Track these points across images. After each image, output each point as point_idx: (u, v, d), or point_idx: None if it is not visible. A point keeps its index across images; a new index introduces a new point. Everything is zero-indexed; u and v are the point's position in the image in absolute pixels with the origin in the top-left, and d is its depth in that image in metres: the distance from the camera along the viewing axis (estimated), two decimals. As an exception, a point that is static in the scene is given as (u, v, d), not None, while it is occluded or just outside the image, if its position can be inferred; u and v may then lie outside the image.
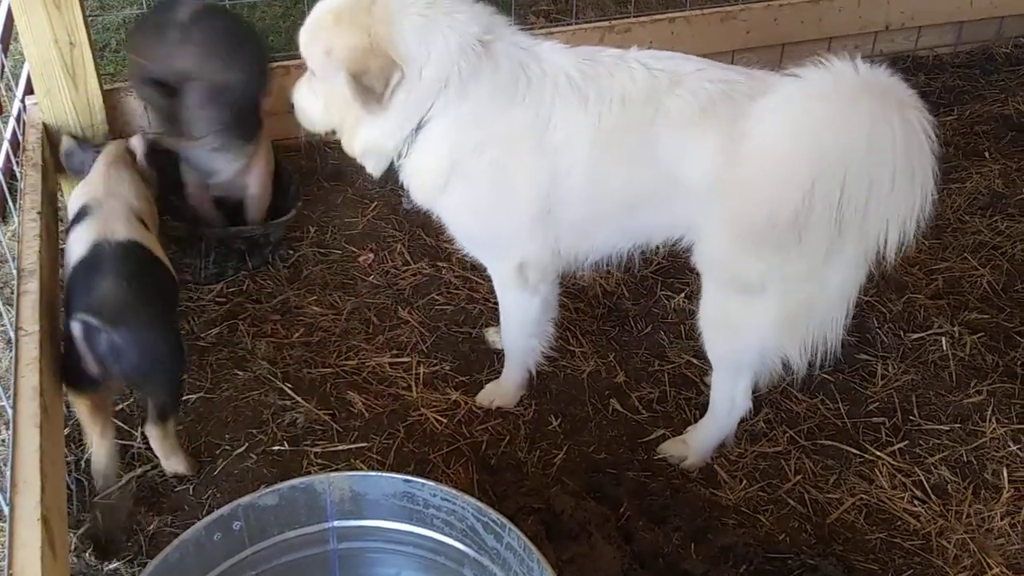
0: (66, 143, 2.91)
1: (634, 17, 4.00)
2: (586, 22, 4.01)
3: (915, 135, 1.97)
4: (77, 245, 2.46)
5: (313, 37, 2.29)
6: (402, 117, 2.27)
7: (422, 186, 2.40)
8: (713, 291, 2.36)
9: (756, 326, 2.31)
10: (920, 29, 4.49)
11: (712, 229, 2.26)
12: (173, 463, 2.51)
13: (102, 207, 2.57)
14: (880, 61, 4.47)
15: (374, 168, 2.45)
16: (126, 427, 2.62)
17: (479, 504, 1.99)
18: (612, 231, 2.43)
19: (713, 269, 2.33)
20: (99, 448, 2.35)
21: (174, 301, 2.65)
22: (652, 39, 3.97)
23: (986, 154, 3.88)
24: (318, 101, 2.39)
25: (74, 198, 2.70)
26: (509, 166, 2.30)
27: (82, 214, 2.55)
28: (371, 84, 2.19)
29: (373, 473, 2.10)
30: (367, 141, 2.36)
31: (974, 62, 4.53)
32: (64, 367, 2.35)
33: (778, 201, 2.01)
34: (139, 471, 2.52)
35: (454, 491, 2.02)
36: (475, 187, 2.35)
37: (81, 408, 2.37)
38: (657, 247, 2.53)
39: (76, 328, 2.26)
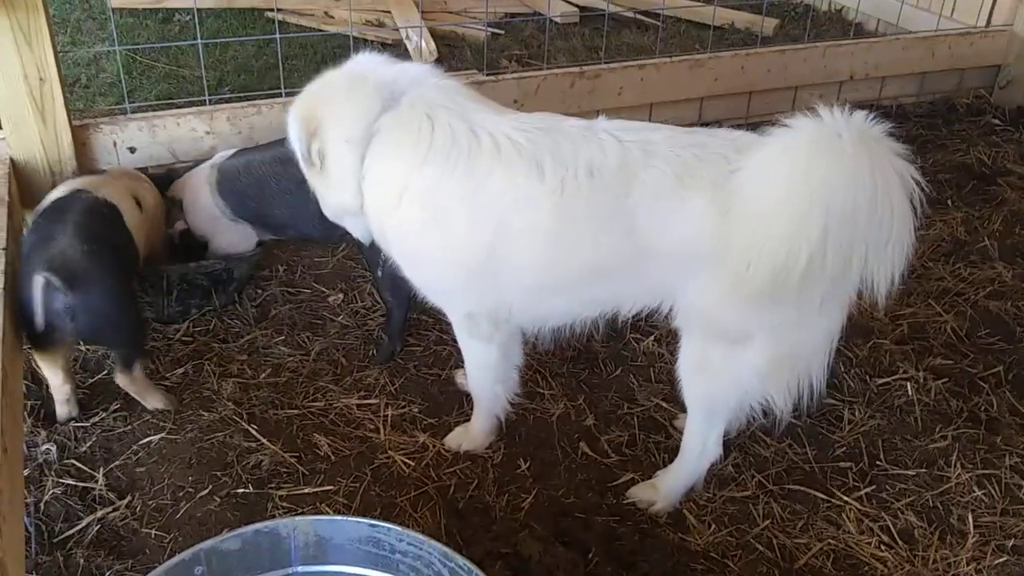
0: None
1: (604, 63, 4.05)
2: (558, 67, 4.06)
3: (906, 179, 1.99)
4: (58, 189, 2.81)
5: (292, 108, 2.48)
6: (340, 177, 2.41)
7: (376, 236, 2.51)
8: (697, 342, 2.34)
9: (741, 374, 2.31)
10: (884, 79, 4.61)
11: (700, 292, 2.23)
12: (150, 402, 2.74)
13: (106, 178, 2.91)
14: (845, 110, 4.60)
15: (357, 231, 2.59)
16: (87, 468, 2.57)
17: (445, 549, 1.97)
18: (574, 299, 2.41)
19: (700, 324, 2.30)
20: (58, 393, 2.66)
21: (131, 268, 2.81)
22: (622, 85, 4.04)
23: (949, 202, 3.96)
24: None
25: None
26: (438, 219, 2.32)
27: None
28: (303, 151, 2.42)
29: (339, 517, 2.08)
30: (330, 204, 2.53)
31: (936, 112, 4.65)
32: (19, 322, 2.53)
33: (789, 257, 1.99)
34: (100, 513, 2.46)
35: (421, 536, 2.00)
36: (407, 236, 2.40)
37: (38, 359, 2.63)
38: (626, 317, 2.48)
39: (38, 283, 2.46)
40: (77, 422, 2.70)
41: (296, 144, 2.45)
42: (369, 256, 2.99)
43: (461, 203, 2.30)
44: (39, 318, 2.50)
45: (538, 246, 2.29)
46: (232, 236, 3.13)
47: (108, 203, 2.77)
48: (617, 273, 2.31)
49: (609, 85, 4.01)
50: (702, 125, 4.17)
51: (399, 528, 2.01)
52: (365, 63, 2.44)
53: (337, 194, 2.46)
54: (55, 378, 2.66)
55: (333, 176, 2.42)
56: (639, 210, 2.19)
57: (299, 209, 2.89)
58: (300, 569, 2.08)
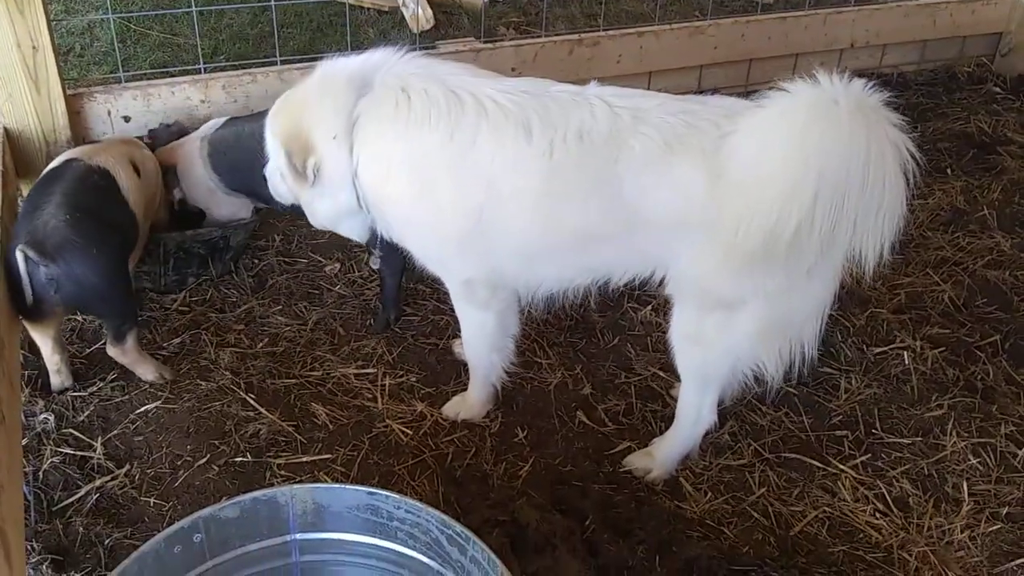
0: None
1: (603, 31, 4.02)
2: (556, 35, 4.02)
3: (900, 150, 1.98)
4: (55, 160, 2.80)
5: (268, 123, 2.52)
6: (333, 180, 2.43)
7: (373, 216, 2.52)
8: (690, 310, 2.34)
9: (733, 340, 2.31)
10: (885, 47, 4.57)
11: (692, 259, 2.24)
12: (143, 373, 2.75)
13: (102, 145, 2.92)
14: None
15: (353, 232, 2.64)
16: (85, 438, 2.58)
17: (443, 517, 1.98)
18: (565, 266, 2.40)
19: (692, 292, 2.31)
20: (50, 363, 2.67)
21: (126, 236, 2.75)
22: (621, 53, 4.01)
23: (948, 171, 3.94)
24: (282, 179, 2.56)
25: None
26: (427, 185, 2.33)
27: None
28: (296, 165, 2.42)
29: (336, 485, 2.07)
30: (322, 212, 2.56)
31: (937, 80, 4.62)
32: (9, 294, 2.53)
33: (778, 222, 1.99)
34: (98, 482, 2.47)
35: (418, 503, 2.00)
36: (400, 208, 2.41)
37: (29, 329, 2.62)
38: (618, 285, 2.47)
39: (19, 256, 2.45)
40: (75, 391, 2.70)
41: (283, 163, 2.46)
42: None
43: (448, 166, 2.29)
44: (27, 291, 2.49)
45: (528, 209, 2.28)
46: (230, 207, 3.12)
47: (101, 169, 2.74)
48: (608, 239, 2.31)
49: (608, 53, 3.98)
50: (701, 93, 4.13)
51: (397, 495, 2.02)
52: (330, 65, 2.45)
53: (333, 198, 2.47)
54: (45, 347, 2.65)
55: (328, 180, 2.43)
56: (628, 176, 2.19)
57: None
58: (299, 536, 2.08)
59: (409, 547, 2.05)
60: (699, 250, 2.22)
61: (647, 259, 2.34)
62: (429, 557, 2.03)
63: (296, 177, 2.45)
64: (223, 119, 3.11)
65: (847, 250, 2.11)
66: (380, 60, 2.41)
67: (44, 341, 2.64)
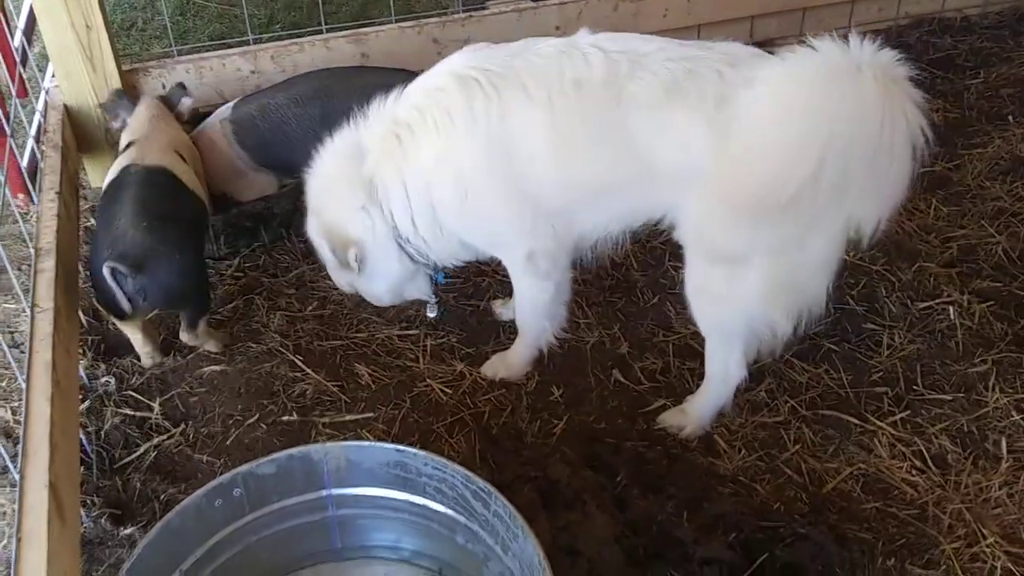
0: (108, 96, 3.11)
1: (649, -16, 3.96)
2: (600, -10, 3.98)
3: (913, 134, 1.97)
4: (112, 170, 2.84)
5: (309, 222, 2.64)
6: (381, 250, 2.56)
7: (446, 256, 2.63)
8: (698, 263, 2.36)
9: (742, 295, 2.32)
10: (947, -11, 4.39)
11: (697, 206, 2.25)
12: (211, 347, 2.87)
13: (144, 139, 2.91)
14: (905, 23, 4.41)
15: (422, 293, 2.80)
16: (144, 399, 2.73)
17: (467, 473, 2.05)
18: (597, 214, 2.43)
19: (698, 243, 2.33)
20: (142, 351, 2.81)
21: (200, 225, 2.89)
22: (667, 7, 3.96)
23: (1010, 118, 3.80)
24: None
25: (122, 138, 3.00)
26: (462, 178, 2.39)
27: (126, 147, 2.92)
28: (341, 259, 2.56)
29: (367, 443, 2.17)
30: (381, 290, 2.70)
31: (1004, 23, 4.43)
32: (100, 301, 2.72)
33: (784, 178, 2.00)
34: (155, 441, 2.62)
35: (444, 460, 2.08)
36: (449, 211, 2.46)
37: (122, 327, 2.76)
38: (641, 228, 2.52)
39: (106, 272, 2.54)
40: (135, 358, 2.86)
41: (329, 257, 2.60)
42: None
43: (468, 156, 2.35)
44: (122, 302, 2.61)
45: (549, 166, 2.33)
46: (257, 186, 3.20)
47: (159, 168, 2.81)
48: (621, 185, 2.35)
49: (654, 7, 3.93)
50: (753, 44, 4.05)
51: (424, 453, 2.10)
52: (324, 156, 2.57)
53: (387, 272, 2.61)
54: (136, 338, 2.80)
55: (374, 258, 2.56)
56: (629, 123, 2.21)
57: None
58: (334, 491, 2.19)
59: (437, 502, 2.14)
60: (702, 200, 2.24)
61: (658, 203, 2.37)
62: (456, 511, 2.12)
63: (346, 269, 2.58)
64: (234, 100, 3.16)
65: (847, 215, 2.11)
66: (356, 124, 2.52)
67: (134, 334, 2.78)
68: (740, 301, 2.32)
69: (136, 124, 2.98)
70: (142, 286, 2.59)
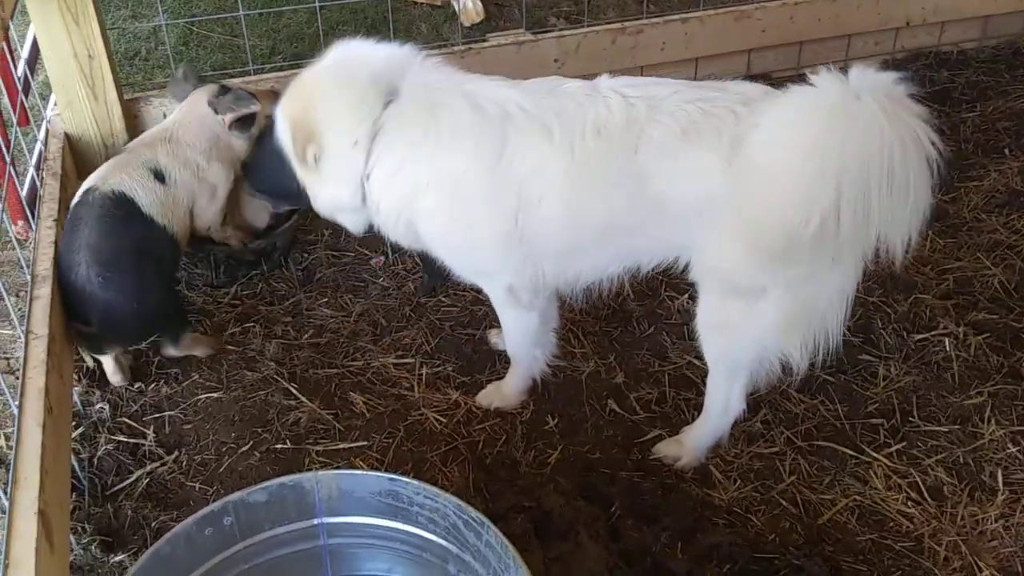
0: (179, 71, 3.12)
1: (647, 18, 4.01)
2: (598, 24, 4.03)
3: (924, 150, 1.98)
4: (83, 184, 2.80)
5: (280, 102, 2.52)
6: (336, 176, 2.44)
7: (390, 232, 2.53)
8: (714, 298, 2.36)
9: (757, 328, 2.32)
10: (943, 24, 4.43)
11: (713, 246, 2.26)
12: (199, 353, 2.87)
13: (127, 153, 2.88)
14: (901, 57, 4.44)
15: (350, 225, 2.61)
16: (138, 426, 2.72)
17: (459, 502, 2.04)
18: (598, 257, 2.43)
19: (714, 280, 2.33)
20: (112, 377, 2.80)
21: (166, 256, 2.82)
22: (665, 40, 4.00)
23: (1006, 151, 3.82)
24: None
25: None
26: (460, 201, 2.36)
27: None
28: (298, 152, 2.43)
29: (359, 472, 2.17)
30: (323, 201, 2.55)
31: (1000, 57, 4.46)
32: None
33: (804, 216, 2.00)
34: (148, 468, 2.61)
35: (436, 489, 2.07)
36: (434, 225, 2.43)
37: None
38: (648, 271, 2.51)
39: (72, 326, 2.54)
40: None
41: (288, 145, 2.46)
42: None
43: (478, 181, 2.33)
44: (85, 352, 2.70)
45: (558, 210, 2.32)
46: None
47: (117, 195, 2.72)
48: (634, 228, 2.34)
49: (652, 41, 3.97)
50: (750, 78, 4.09)
51: (416, 482, 2.09)
52: (348, 52, 2.45)
53: (334, 191, 2.48)
54: (107, 367, 2.80)
55: (331, 175, 2.44)
56: (647, 166, 2.21)
57: None
58: (326, 520, 2.18)
59: (429, 531, 2.13)
60: (720, 239, 2.23)
61: (671, 246, 2.37)
62: (448, 541, 2.10)
63: (298, 160, 2.46)
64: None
65: (872, 242, 2.11)
66: (404, 62, 2.42)
67: (105, 363, 2.79)
68: (755, 334, 2.32)
69: (169, 119, 3.02)
70: (103, 337, 2.63)
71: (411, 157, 2.36)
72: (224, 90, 3.03)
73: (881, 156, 1.95)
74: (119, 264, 2.63)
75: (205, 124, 2.97)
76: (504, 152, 2.29)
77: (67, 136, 3.20)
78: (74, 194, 3.13)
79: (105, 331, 2.63)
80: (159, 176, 2.83)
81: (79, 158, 3.24)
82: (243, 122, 3.01)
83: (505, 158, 2.29)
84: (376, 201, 2.44)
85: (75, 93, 3.15)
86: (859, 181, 1.96)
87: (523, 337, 2.69)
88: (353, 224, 2.60)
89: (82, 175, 3.25)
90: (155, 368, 2.91)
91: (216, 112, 2.98)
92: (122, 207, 2.71)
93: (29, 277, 2.54)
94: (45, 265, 2.57)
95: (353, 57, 2.44)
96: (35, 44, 3.53)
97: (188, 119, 2.99)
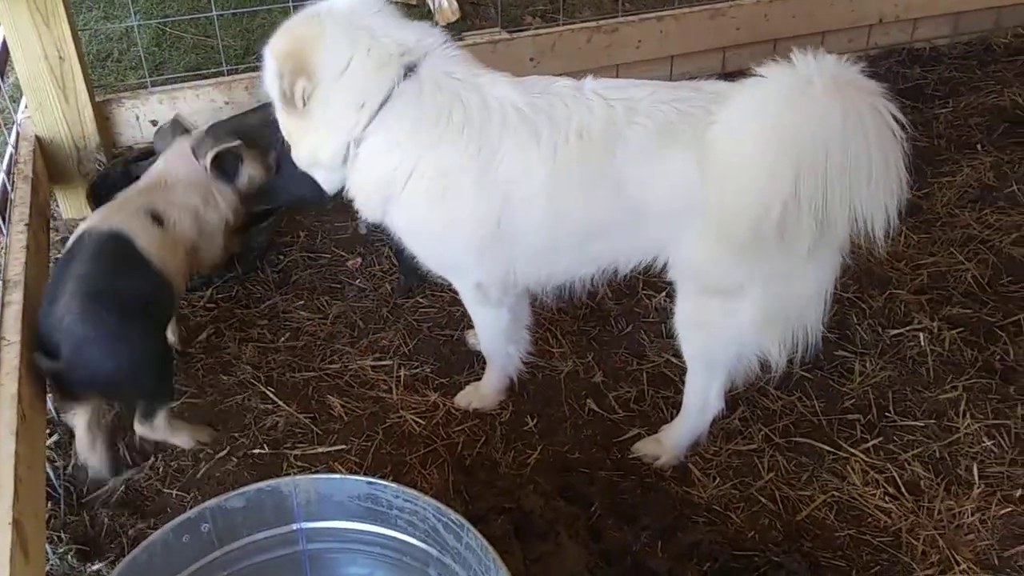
0: (168, 124, 2.98)
1: (622, 16, 4.01)
2: (573, 23, 4.03)
3: (885, 123, 1.97)
4: (77, 229, 2.61)
5: (269, 43, 2.34)
6: (327, 129, 2.32)
7: (362, 204, 2.45)
8: (691, 296, 2.37)
9: (735, 326, 2.32)
10: (916, 21, 4.47)
11: (690, 245, 2.26)
12: (177, 443, 2.63)
13: (122, 199, 2.69)
14: (875, 54, 4.47)
15: (323, 181, 2.50)
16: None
17: (438, 505, 2.03)
18: (574, 259, 2.42)
19: (693, 279, 2.33)
20: (80, 443, 2.52)
21: (157, 303, 2.58)
22: (641, 39, 4.00)
23: (978, 147, 3.86)
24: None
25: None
26: (448, 196, 2.31)
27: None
28: (284, 87, 2.25)
29: (337, 476, 2.15)
30: (303, 150, 2.42)
31: (972, 53, 4.51)
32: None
33: (762, 207, 2.01)
34: (125, 475, 2.58)
35: (415, 492, 2.06)
36: (414, 212, 2.38)
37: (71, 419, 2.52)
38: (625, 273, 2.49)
39: (41, 360, 2.33)
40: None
41: (275, 80, 2.27)
42: None
43: (472, 179, 2.30)
44: (49, 395, 2.47)
45: (538, 213, 2.31)
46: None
47: (114, 234, 2.53)
48: (612, 231, 2.34)
49: (627, 39, 3.98)
50: (726, 76, 4.10)
51: (395, 485, 2.08)
52: (371, 12, 2.30)
53: (318, 143, 2.36)
54: (78, 429, 2.54)
55: (322, 125, 2.32)
56: (625, 168, 2.21)
57: (293, 171, 2.71)
58: (305, 525, 2.16)
59: (409, 535, 2.11)
60: (696, 237, 2.24)
61: (649, 246, 2.37)
62: (428, 544, 2.09)
63: (284, 101, 2.30)
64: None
65: (849, 228, 2.10)
66: (429, 43, 2.33)
67: (77, 426, 2.52)
68: (733, 332, 2.32)
69: (156, 168, 2.83)
70: (73, 379, 2.36)
71: (413, 140, 2.29)
72: (207, 134, 2.91)
73: (839, 137, 1.94)
74: (104, 298, 2.40)
75: (193, 168, 2.83)
76: (496, 156, 2.28)
77: (38, 139, 3.16)
78: (46, 198, 3.12)
79: (72, 369, 2.33)
80: (157, 219, 2.66)
81: (50, 161, 3.21)
82: (225, 171, 2.86)
83: (497, 159, 2.28)
84: (360, 169, 2.35)
85: (46, 95, 3.12)
86: (818, 164, 1.96)
87: (495, 334, 2.68)
88: (327, 182, 2.49)
89: (54, 178, 3.23)
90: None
91: (197, 158, 2.84)
92: (119, 244, 2.53)
93: (0, 282, 2.50)
94: (16, 270, 2.53)
95: (376, 18, 2.30)
96: (4, 46, 3.48)
97: (177, 166, 2.83)
